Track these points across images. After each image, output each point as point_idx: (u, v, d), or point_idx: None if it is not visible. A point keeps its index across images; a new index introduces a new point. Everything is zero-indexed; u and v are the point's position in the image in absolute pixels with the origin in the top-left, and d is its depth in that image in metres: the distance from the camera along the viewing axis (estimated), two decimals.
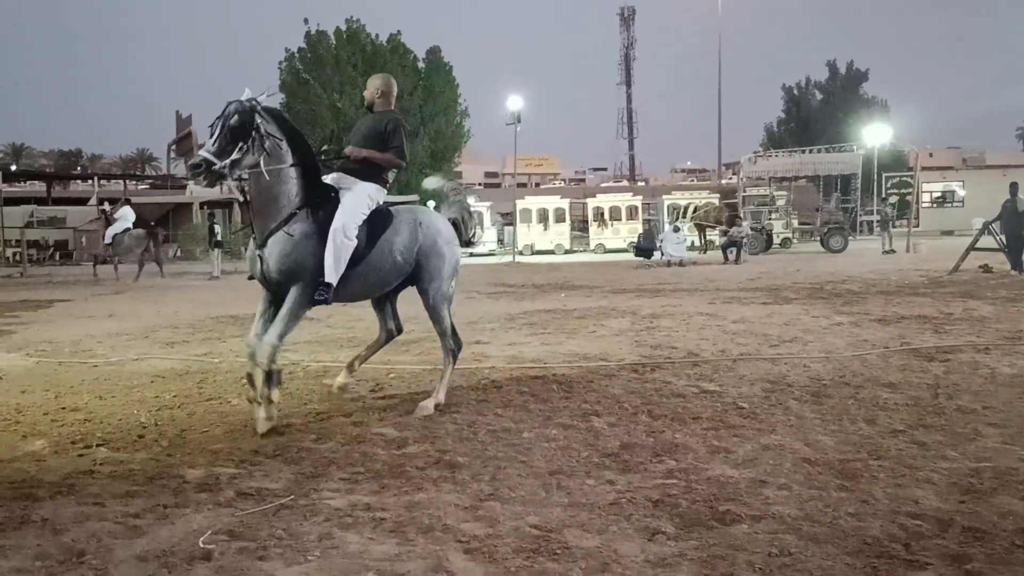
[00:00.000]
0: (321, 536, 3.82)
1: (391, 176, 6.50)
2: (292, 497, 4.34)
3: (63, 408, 6.44)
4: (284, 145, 5.76)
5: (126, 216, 24.52)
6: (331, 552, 3.64)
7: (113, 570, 3.44)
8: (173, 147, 72.36)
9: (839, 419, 5.82)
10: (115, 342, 10.72)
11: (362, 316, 13.09)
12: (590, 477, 4.67)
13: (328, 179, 6.15)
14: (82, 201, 50.11)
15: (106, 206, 26.20)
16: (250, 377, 5.75)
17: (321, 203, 5.82)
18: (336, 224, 5.78)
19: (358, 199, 6.05)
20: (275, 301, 5.89)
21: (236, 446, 5.32)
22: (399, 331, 7.22)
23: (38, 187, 59.67)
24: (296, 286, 5.72)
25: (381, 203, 6.33)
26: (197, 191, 58.65)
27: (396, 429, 5.71)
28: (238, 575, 3.41)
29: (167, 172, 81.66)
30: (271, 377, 5.70)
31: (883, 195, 42.39)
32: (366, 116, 6.69)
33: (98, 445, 5.32)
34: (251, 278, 6.05)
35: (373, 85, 6.68)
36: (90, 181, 63.65)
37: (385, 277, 6.33)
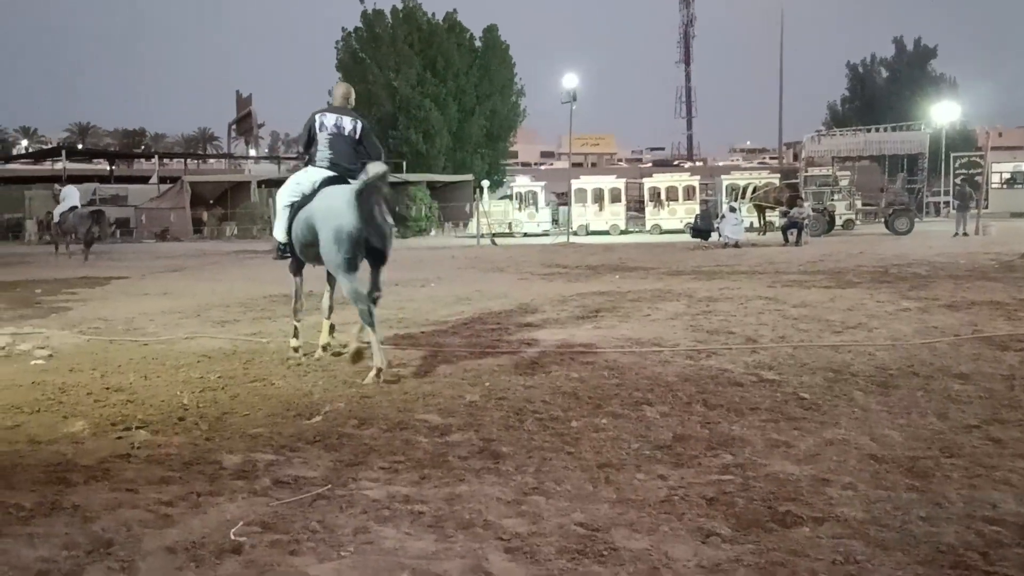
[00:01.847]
0: (357, 530, 3.65)
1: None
2: (329, 487, 4.18)
3: (107, 388, 6.38)
4: None
5: (71, 196, 24.95)
6: (366, 548, 3.47)
7: (140, 562, 3.31)
8: (234, 126, 73.10)
9: (907, 412, 5.49)
10: (167, 320, 10.73)
11: (413, 297, 13.01)
12: (640, 471, 4.43)
13: None
14: (143, 179, 50.89)
15: (56, 187, 26.54)
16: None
17: None
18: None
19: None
20: None
21: (276, 431, 5.19)
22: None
23: (103, 166, 60.81)
24: None
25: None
26: (255, 170, 59.43)
27: (440, 416, 5.53)
28: (268, 571, 3.25)
29: (227, 151, 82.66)
30: None
31: (955, 176, 41.02)
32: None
33: (137, 427, 5.22)
34: None
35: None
36: (152, 159, 64.58)
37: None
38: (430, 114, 49.77)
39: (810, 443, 4.87)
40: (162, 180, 46.85)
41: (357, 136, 7.35)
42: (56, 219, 24.74)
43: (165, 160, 72.17)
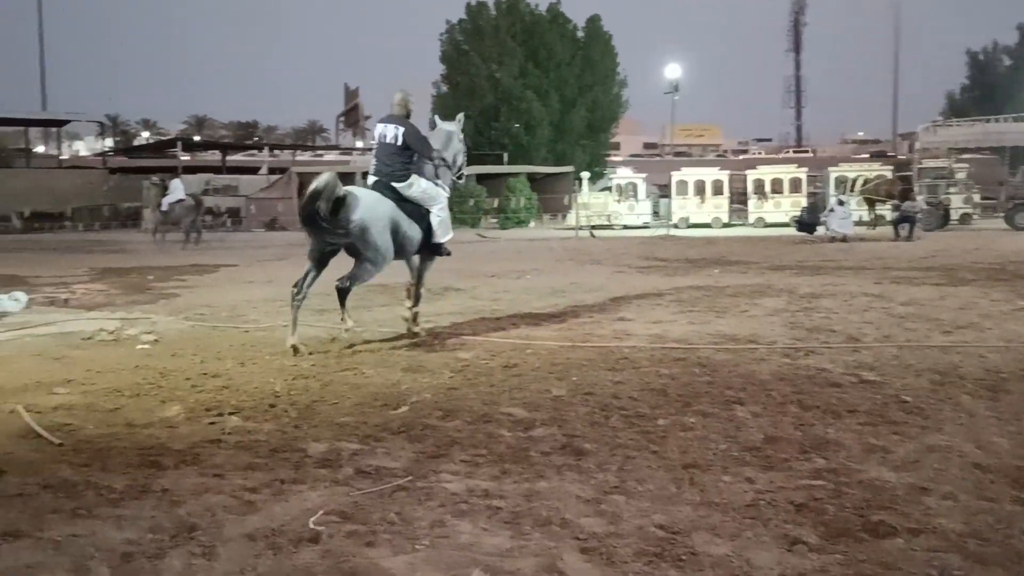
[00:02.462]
0: (433, 523, 3.64)
1: None
2: (410, 478, 4.19)
3: (205, 374, 6.57)
4: None
5: (177, 188, 26.14)
6: (441, 542, 3.46)
7: (220, 548, 3.37)
8: (342, 118, 74.53)
9: (1018, 418, 5.19)
10: (269, 308, 11.00)
11: (508, 288, 13.02)
12: (727, 473, 4.30)
13: None
14: (253, 170, 52.50)
15: (153, 178, 27.50)
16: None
17: None
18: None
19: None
20: None
21: (363, 420, 5.24)
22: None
23: (217, 156, 62.95)
24: None
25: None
26: (360, 161, 60.56)
27: (525, 409, 5.50)
28: (343, 561, 3.27)
29: (335, 143, 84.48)
30: None
31: None
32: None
33: (230, 413, 5.36)
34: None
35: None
36: (263, 151, 66.54)
37: None
38: (532, 105, 49.68)
39: (909, 449, 4.64)
40: (271, 171, 48.22)
41: (399, 143, 7.89)
42: (164, 208, 25.84)
43: (276, 151, 74.21)
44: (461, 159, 8.89)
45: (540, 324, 9.21)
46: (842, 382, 6.22)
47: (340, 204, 7.39)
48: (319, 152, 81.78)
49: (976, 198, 32.67)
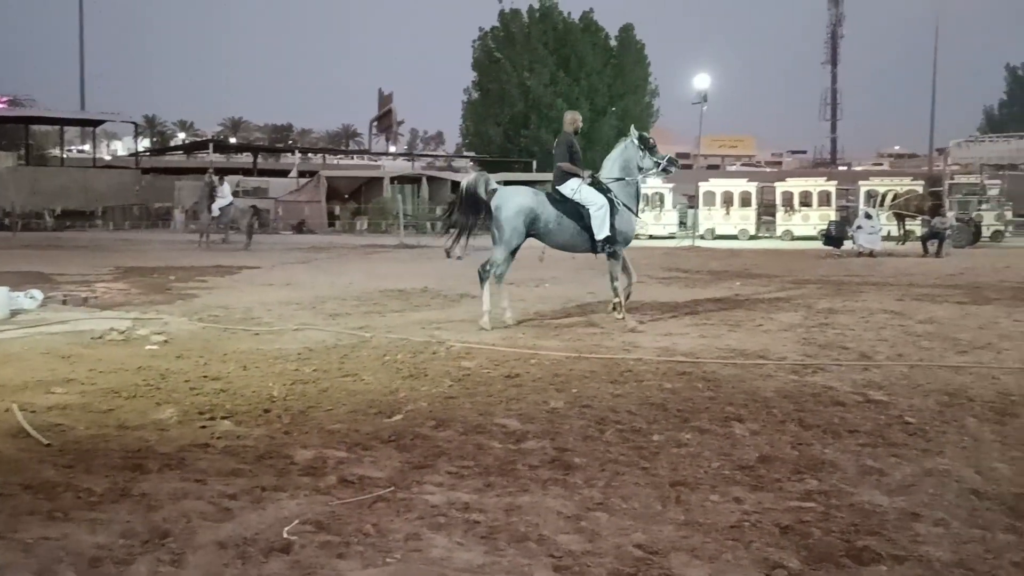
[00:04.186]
0: (408, 536, 3.60)
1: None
2: (392, 489, 4.15)
3: (205, 376, 6.58)
4: None
5: (227, 192, 27.09)
6: (413, 555, 3.41)
7: (190, 556, 3.35)
8: (375, 123, 74.98)
9: (1023, 444, 5.05)
10: (283, 311, 11.04)
11: (524, 296, 12.97)
12: (715, 492, 4.22)
13: None
14: (284, 173, 52.93)
15: (207, 177, 27.99)
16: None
17: None
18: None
19: None
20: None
21: (355, 428, 5.21)
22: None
23: (249, 158, 63.52)
24: None
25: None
26: (389, 166, 60.88)
27: (520, 421, 5.44)
28: (310, 573, 3.24)
29: (368, 147, 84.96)
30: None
31: None
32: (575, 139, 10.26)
33: (223, 417, 5.35)
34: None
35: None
36: (295, 154, 67.09)
37: None
38: (561, 113, 49.73)
39: (906, 472, 4.53)
40: (302, 174, 48.59)
41: (555, 154, 10.18)
42: (216, 212, 26.26)
43: (309, 155, 74.72)
44: (646, 163, 10.09)
45: (549, 334, 9.14)
46: (847, 401, 6.11)
47: (490, 193, 9.72)
48: (350, 156, 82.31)
49: (1008, 215, 32.11)
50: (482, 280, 9.59)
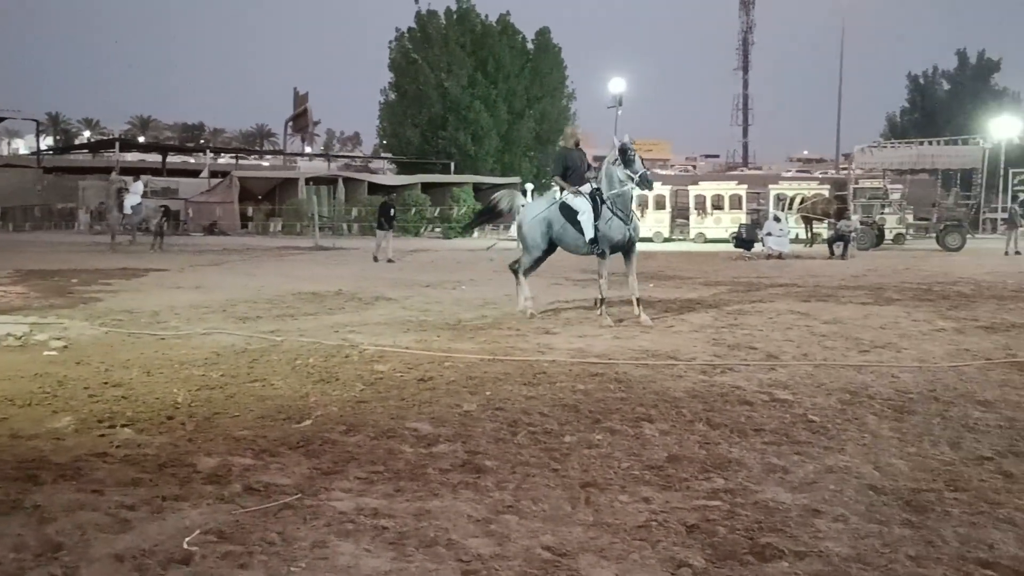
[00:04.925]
0: (315, 544, 3.53)
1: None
2: (299, 496, 4.07)
3: (106, 383, 6.37)
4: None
5: (137, 190, 26.64)
6: (318, 564, 3.35)
7: (84, 569, 3.22)
8: (290, 123, 73.85)
9: (920, 440, 5.23)
10: (192, 314, 10.77)
11: (441, 299, 12.92)
12: (624, 492, 4.25)
13: None
14: (195, 173, 51.72)
15: (113, 176, 27.55)
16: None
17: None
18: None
19: None
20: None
21: (262, 434, 5.10)
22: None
23: (160, 158, 61.84)
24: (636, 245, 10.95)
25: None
26: (305, 167, 60.03)
27: (432, 425, 5.40)
28: None
29: (283, 147, 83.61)
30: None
31: (1012, 193, 39.82)
32: (572, 151, 11.29)
33: (123, 425, 5.18)
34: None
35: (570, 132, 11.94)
36: (206, 154, 65.60)
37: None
38: (480, 116, 49.71)
39: (809, 470, 4.64)
40: (213, 175, 47.54)
41: (550, 169, 12.26)
42: (128, 211, 25.45)
43: (221, 155, 73.15)
44: (621, 175, 10.35)
45: (464, 336, 9.12)
46: (754, 400, 6.24)
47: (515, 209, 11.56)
48: (264, 156, 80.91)
49: (910, 218, 33.35)
50: (516, 275, 11.20)
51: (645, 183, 10.41)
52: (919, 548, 3.58)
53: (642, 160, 10.46)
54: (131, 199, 25.54)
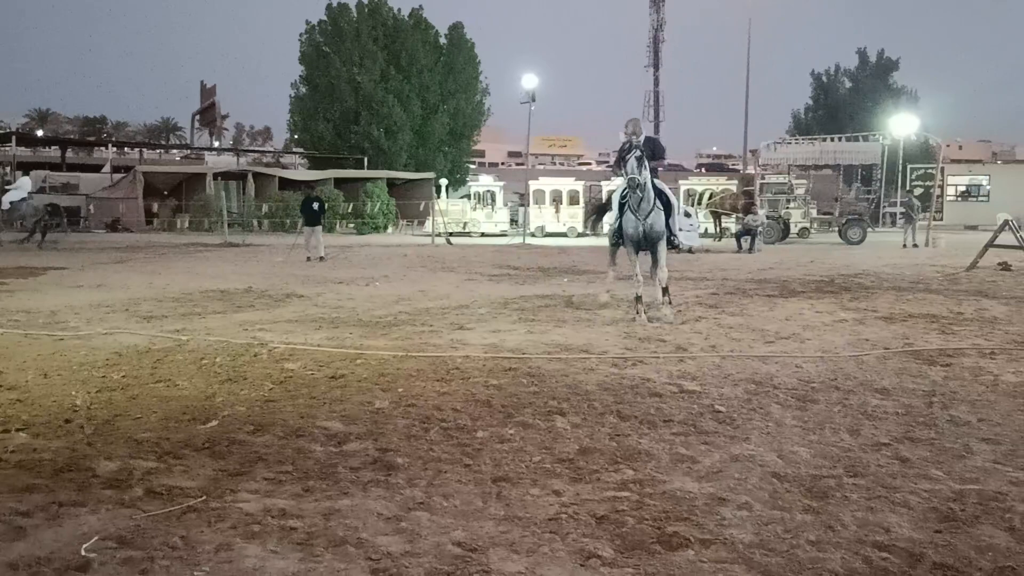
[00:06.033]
0: (219, 547, 3.45)
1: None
2: (204, 498, 3.97)
3: (0, 385, 6.11)
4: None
5: (24, 185, 25.44)
6: (222, 567, 3.28)
7: None
8: (197, 117, 72.13)
9: (821, 428, 5.39)
10: (93, 314, 10.42)
11: (353, 295, 12.78)
12: (536, 486, 4.28)
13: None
14: (96, 168, 50.00)
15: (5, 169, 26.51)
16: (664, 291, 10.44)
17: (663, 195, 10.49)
18: (675, 205, 10.82)
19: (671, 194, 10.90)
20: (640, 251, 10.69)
21: (165, 436, 4.96)
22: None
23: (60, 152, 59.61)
24: (662, 240, 10.45)
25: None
26: (213, 161, 58.62)
27: (342, 423, 5.34)
28: None
29: (190, 141, 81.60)
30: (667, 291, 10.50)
31: (908, 187, 41.42)
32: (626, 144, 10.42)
33: (18, 430, 4.98)
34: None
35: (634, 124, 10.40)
36: (112, 149, 63.56)
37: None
38: (393, 110, 49.29)
39: (715, 459, 4.74)
40: (116, 169, 46.05)
41: None
42: (5, 206, 24.30)
43: (125, 149, 70.96)
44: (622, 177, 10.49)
45: (377, 333, 9.04)
46: (663, 392, 6.34)
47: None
48: (170, 151, 78.80)
49: (814, 213, 34.38)
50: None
51: (632, 187, 10.08)
52: (819, 533, 3.69)
53: (639, 158, 9.95)
54: (12, 195, 24.36)
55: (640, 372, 7.06)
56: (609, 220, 11.13)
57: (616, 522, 3.80)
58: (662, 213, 10.34)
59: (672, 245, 11.11)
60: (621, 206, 10.56)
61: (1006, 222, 18.20)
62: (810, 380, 6.78)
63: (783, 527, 3.76)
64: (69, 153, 57.37)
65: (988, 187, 43.65)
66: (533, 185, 37.74)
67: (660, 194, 10.42)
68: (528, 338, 8.78)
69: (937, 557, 3.45)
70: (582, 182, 39.14)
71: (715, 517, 3.87)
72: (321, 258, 20.51)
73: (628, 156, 10.09)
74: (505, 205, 38.46)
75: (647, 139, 10.48)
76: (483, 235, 35.55)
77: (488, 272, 17.89)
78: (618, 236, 10.89)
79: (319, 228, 21.74)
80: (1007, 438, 5.14)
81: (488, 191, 37.78)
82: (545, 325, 9.76)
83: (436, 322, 9.89)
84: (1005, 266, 17.25)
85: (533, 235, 34.53)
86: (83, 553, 3.33)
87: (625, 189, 10.42)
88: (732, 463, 4.67)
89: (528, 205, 36.72)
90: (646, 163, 10.04)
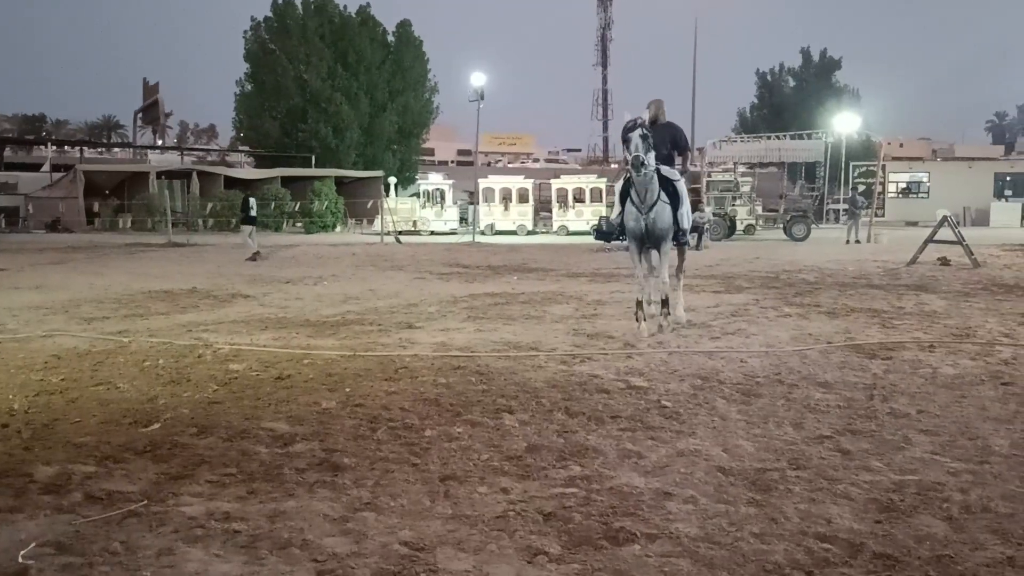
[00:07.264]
0: (161, 551, 3.39)
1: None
2: (145, 503, 3.90)
3: None
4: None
5: None
6: (165, 572, 3.22)
7: None
8: (140, 114, 70.92)
9: (765, 421, 5.47)
10: (31, 316, 10.19)
11: (301, 295, 12.66)
12: (484, 484, 4.27)
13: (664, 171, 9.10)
14: (35, 167, 48.85)
15: None
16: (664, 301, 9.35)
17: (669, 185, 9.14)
18: (684, 197, 9.36)
19: (683, 184, 9.48)
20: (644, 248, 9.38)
21: (106, 439, 4.87)
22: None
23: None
24: (667, 239, 9.15)
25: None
26: (156, 160, 57.65)
27: (288, 424, 5.28)
28: None
29: (132, 140, 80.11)
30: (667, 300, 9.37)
31: (852, 184, 42.21)
32: (657, 128, 9.31)
33: None
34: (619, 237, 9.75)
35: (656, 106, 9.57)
36: (52, 147, 62.16)
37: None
38: (340, 108, 48.87)
39: (662, 454, 4.79)
40: (56, 168, 45.04)
41: None
42: None
43: (66, 148, 69.47)
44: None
45: (325, 333, 8.96)
46: (611, 388, 6.38)
47: None
48: (112, 149, 77.30)
49: (759, 210, 34.87)
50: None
51: (634, 166, 8.68)
52: (763, 525, 3.74)
53: (644, 136, 8.71)
54: None
55: (588, 369, 7.09)
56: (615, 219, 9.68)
57: (563, 518, 3.82)
58: (668, 207, 9.03)
59: (680, 243, 9.76)
60: (623, 197, 9.36)
61: (945, 218, 18.63)
62: (755, 375, 6.87)
63: (728, 520, 3.81)
64: (7, 152, 55.91)
65: (928, 184, 44.71)
66: (483, 183, 37.73)
67: (667, 184, 9.09)
68: (478, 336, 8.77)
69: (877, 547, 3.52)
70: (531, 180, 39.22)
71: (661, 511, 3.91)
72: (250, 258, 19.99)
73: (631, 135, 8.78)
74: (455, 203, 38.40)
75: (667, 125, 9.55)
76: (432, 233, 35.49)
77: (438, 271, 17.85)
78: (612, 229, 9.84)
79: (253, 227, 21.86)
80: (945, 429, 5.27)
81: (437, 189, 37.72)
82: (494, 323, 9.76)
83: (385, 321, 9.84)
84: (944, 261, 17.67)
85: (483, 233, 34.51)
86: (21, 560, 3.26)
87: (627, 175, 9.19)
88: (678, 458, 4.72)
89: (478, 203, 36.69)
90: (651, 144, 8.81)
